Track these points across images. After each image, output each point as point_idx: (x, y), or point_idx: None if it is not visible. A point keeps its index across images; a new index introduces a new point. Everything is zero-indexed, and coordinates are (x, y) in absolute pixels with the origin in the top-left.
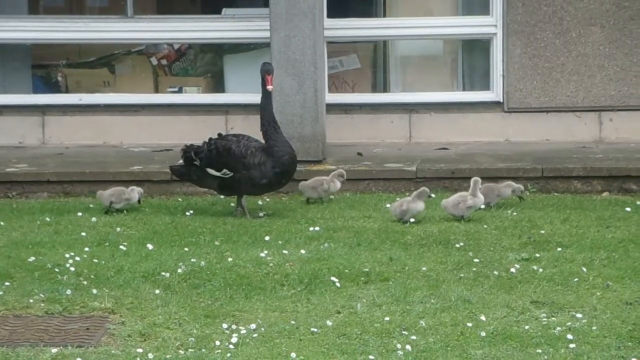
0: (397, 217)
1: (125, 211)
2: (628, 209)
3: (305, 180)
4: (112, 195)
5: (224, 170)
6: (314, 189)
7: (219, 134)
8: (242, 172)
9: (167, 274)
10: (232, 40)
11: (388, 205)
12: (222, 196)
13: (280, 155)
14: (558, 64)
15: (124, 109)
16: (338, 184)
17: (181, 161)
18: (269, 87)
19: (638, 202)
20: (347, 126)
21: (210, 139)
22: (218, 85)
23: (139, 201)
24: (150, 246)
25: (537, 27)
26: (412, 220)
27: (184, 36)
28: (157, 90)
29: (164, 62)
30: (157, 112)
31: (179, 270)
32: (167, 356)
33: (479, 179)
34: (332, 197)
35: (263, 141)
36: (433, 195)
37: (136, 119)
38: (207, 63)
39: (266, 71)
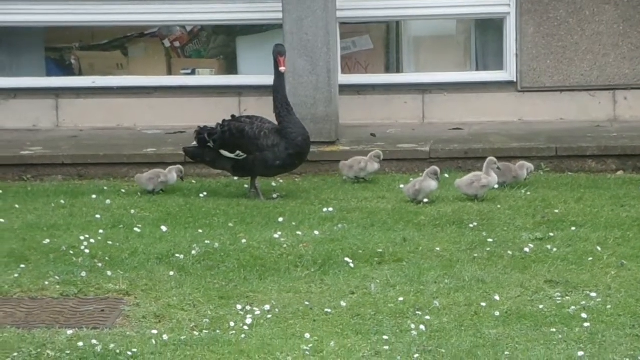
0: (411, 198)
1: (139, 193)
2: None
3: (344, 160)
4: (150, 180)
5: (238, 152)
6: (351, 168)
7: (233, 116)
8: (256, 153)
9: (182, 256)
10: (244, 21)
11: (402, 186)
12: (235, 178)
13: (293, 137)
14: (572, 43)
15: (137, 91)
16: (376, 165)
17: (195, 143)
18: (282, 69)
19: None
20: (361, 107)
21: (223, 120)
22: (231, 67)
23: (181, 179)
24: (164, 228)
25: (551, 6)
26: (425, 200)
27: (196, 18)
28: (170, 72)
29: (176, 44)
30: (170, 94)
31: (193, 252)
32: (182, 337)
33: (493, 158)
34: (368, 178)
35: (276, 123)
36: (446, 175)
37: (149, 102)
38: (220, 45)
39: (278, 52)
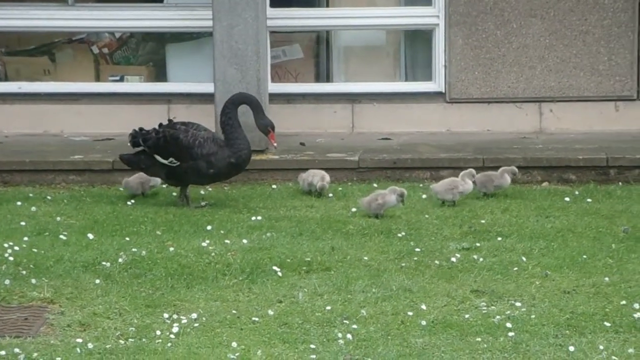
0: (372, 212)
1: (65, 200)
2: (567, 199)
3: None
4: (140, 184)
5: (171, 159)
6: (304, 180)
7: (170, 120)
8: (189, 162)
9: (108, 264)
10: (174, 29)
11: (360, 200)
12: (164, 185)
13: (240, 149)
14: (499, 55)
15: (64, 97)
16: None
17: (130, 146)
18: (274, 145)
19: (577, 192)
20: (290, 116)
21: (160, 124)
22: (160, 74)
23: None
24: (90, 236)
25: (479, 18)
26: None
27: (125, 25)
28: (98, 79)
29: (105, 50)
30: (98, 101)
31: (120, 260)
32: (107, 346)
33: (472, 170)
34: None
35: (214, 131)
36: (375, 185)
37: (77, 108)
38: (149, 52)
39: (272, 127)
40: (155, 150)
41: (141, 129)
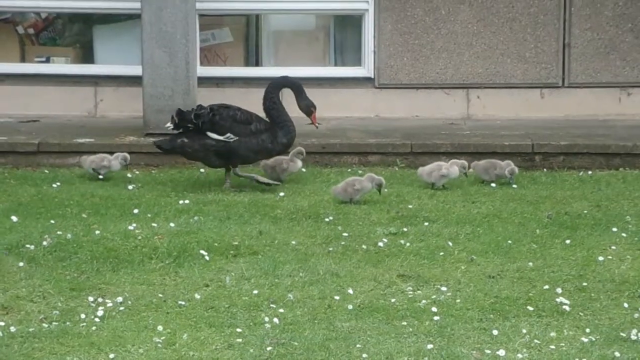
0: (346, 198)
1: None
2: (493, 185)
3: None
4: (92, 162)
5: (228, 134)
6: (273, 169)
7: (200, 106)
8: (248, 137)
9: (32, 247)
10: (101, 10)
11: (333, 188)
12: (212, 167)
13: (290, 130)
14: (428, 41)
15: None
16: (299, 163)
17: (170, 125)
18: (317, 125)
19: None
20: (219, 99)
21: (199, 107)
22: (87, 55)
23: (126, 166)
24: (14, 218)
25: (408, 4)
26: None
27: (51, 5)
28: (23, 59)
29: (30, 31)
30: (23, 82)
31: (45, 243)
32: (30, 329)
33: (465, 163)
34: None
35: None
36: (303, 170)
37: (1, 89)
38: (76, 33)
39: (312, 106)
40: (210, 127)
41: (181, 110)
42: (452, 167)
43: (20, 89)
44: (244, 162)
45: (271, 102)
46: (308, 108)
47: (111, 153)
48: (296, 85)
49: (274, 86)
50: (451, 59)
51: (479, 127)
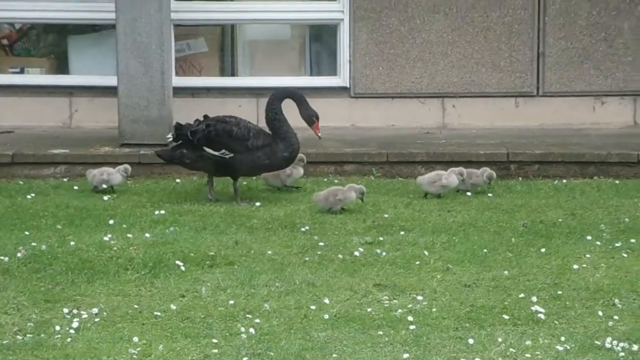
0: (326, 207)
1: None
2: (469, 193)
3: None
4: (94, 177)
5: (224, 151)
6: (277, 175)
7: (205, 116)
8: (244, 153)
9: (6, 258)
10: (76, 21)
11: (315, 196)
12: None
13: (292, 142)
14: (403, 51)
15: None
16: (301, 170)
17: (170, 139)
18: (319, 135)
19: (478, 187)
20: (195, 110)
21: (205, 117)
22: (62, 66)
23: (127, 178)
24: None
25: (383, 14)
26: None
27: (25, 15)
28: None
29: (4, 42)
30: None
31: (19, 254)
32: (4, 342)
33: (463, 169)
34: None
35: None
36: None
37: None
38: (51, 44)
39: (316, 117)
40: (205, 143)
41: (179, 124)
42: (450, 177)
43: None
44: (244, 175)
45: (273, 114)
46: (310, 118)
47: (94, 165)
48: (298, 96)
49: (276, 97)
50: (426, 69)
51: (455, 136)
